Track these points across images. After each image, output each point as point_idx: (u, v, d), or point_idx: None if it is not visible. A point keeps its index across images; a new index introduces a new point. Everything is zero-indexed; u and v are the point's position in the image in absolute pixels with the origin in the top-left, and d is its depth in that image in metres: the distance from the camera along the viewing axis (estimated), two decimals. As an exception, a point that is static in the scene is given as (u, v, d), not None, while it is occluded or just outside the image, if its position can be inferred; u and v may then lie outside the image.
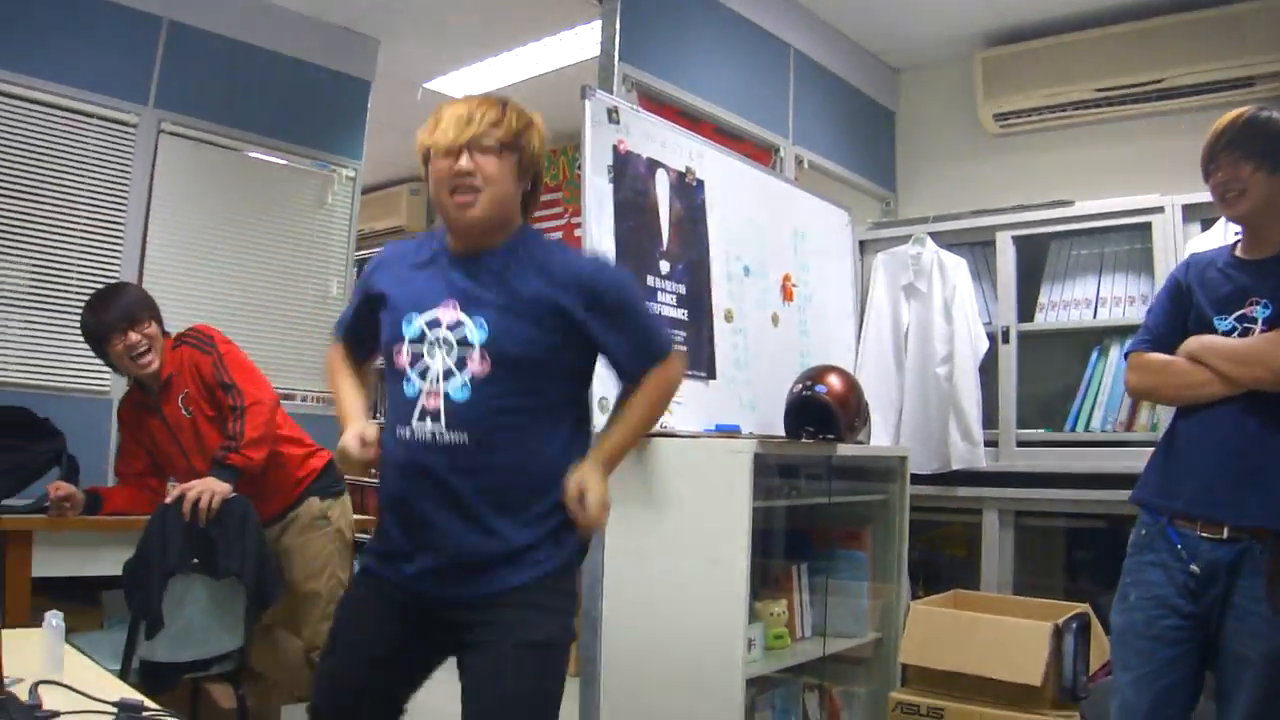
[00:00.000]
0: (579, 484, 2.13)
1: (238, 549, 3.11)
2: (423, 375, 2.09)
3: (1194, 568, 2.47)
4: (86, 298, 4.21)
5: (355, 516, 3.75)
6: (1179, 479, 2.57)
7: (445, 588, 2.10)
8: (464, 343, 2.08)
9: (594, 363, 2.28)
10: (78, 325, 4.17)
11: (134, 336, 3.31)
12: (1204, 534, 2.47)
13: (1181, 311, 2.64)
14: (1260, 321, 2.48)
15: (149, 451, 3.52)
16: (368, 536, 2.52)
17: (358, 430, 2.21)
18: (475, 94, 2.22)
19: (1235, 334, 2.51)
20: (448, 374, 2.07)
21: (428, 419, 2.07)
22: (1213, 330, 2.54)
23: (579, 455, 2.20)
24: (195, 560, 3.10)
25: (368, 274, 2.34)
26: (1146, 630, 2.53)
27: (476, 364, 2.07)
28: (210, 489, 3.10)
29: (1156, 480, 2.64)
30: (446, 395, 2.06)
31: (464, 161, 2.08)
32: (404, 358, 2.12)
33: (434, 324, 2.12)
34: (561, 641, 2.14)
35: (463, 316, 2.10)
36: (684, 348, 3.68)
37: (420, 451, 2.08)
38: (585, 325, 2.14)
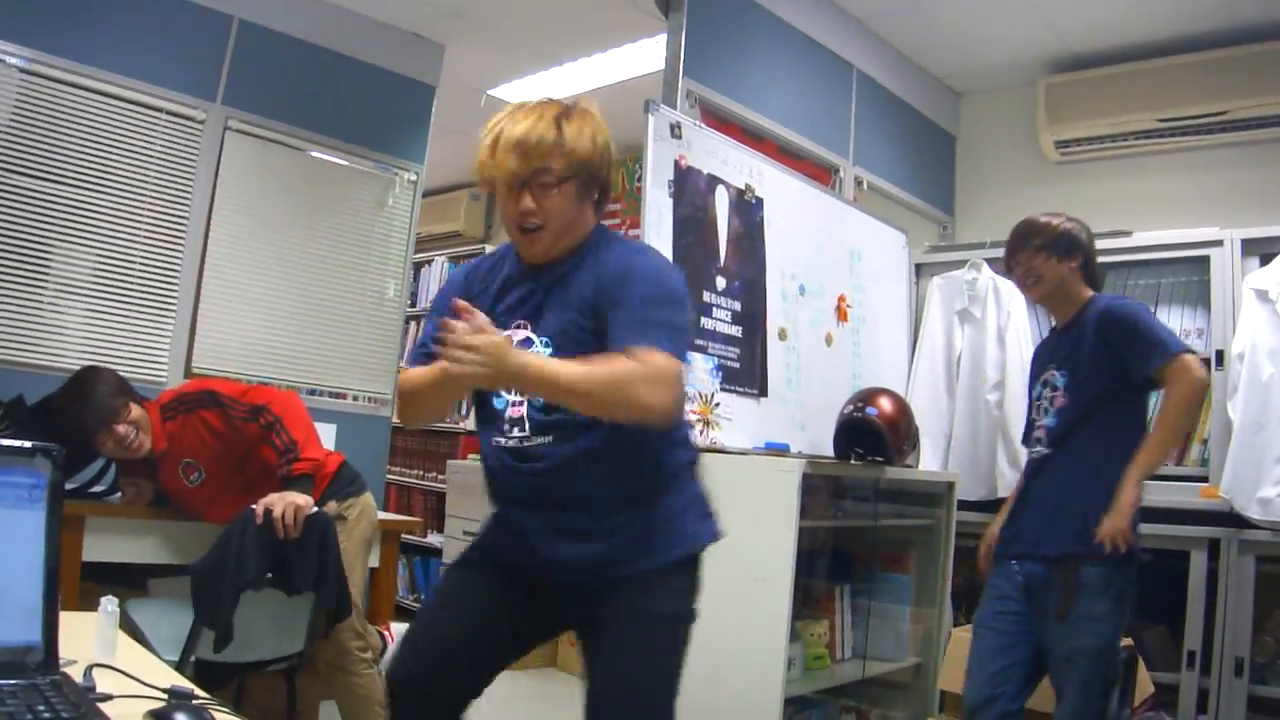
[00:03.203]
0: None
1: (313, 566, 3.06)
2: (509, 389, 2.15)
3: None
4: (146, 291, 4.27)
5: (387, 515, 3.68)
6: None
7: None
8: None
9: None
10: (136, 314, 4.22)
11: (121, 429, 3.11)
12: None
13: None
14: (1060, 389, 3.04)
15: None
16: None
17: None
18: (532, 105, 2.18)
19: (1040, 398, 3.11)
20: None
21: (514, 428, 2.16)
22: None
23: None
24: (269, 575, 3.05)
25: (448, 296, 2.35)
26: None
27: None
28: (292, 502, 3.03)
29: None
30: (529, 404, 2.15)
31: (526, 202, 2.10)
32: None
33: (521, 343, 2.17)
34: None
35: (532, 335, 2.18)
36: (736, 365, 3.69)
37: (513, 456, 2.17)
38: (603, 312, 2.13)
